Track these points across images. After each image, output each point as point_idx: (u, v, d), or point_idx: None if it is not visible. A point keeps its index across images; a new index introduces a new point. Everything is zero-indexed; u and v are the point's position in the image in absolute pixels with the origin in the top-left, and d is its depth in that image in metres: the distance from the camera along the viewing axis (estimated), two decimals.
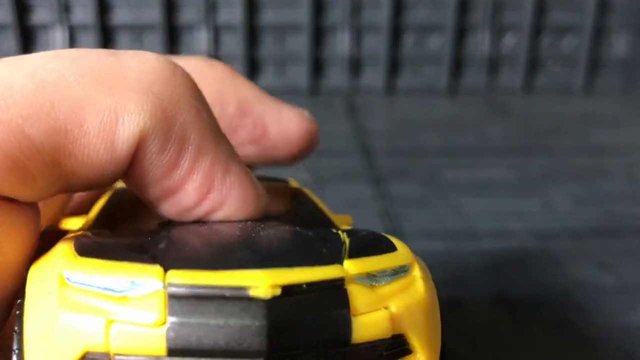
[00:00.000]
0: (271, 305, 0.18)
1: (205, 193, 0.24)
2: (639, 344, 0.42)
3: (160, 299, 0.18)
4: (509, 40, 0.85)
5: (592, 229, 0.55)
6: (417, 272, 0.21)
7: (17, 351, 0.19)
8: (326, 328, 0.19)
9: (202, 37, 0.81)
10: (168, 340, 0.18)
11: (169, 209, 0.24)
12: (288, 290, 0.19)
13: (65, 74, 0.21)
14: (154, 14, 0.80)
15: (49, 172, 0.21)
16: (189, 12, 0.81)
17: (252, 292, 0.18)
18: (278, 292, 0.18)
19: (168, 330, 0.18)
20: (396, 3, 0.82)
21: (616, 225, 0.55)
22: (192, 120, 0.23)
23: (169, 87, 0.22)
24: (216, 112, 0.25)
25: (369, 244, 0.22)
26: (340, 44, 0.83)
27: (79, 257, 0.20)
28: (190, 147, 0.23)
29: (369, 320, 0.19)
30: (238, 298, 0.18)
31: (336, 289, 0.19)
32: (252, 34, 0.82)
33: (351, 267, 0.20)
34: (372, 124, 0.77)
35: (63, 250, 0.20)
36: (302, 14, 0.82)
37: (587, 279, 0.48)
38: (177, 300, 0.18)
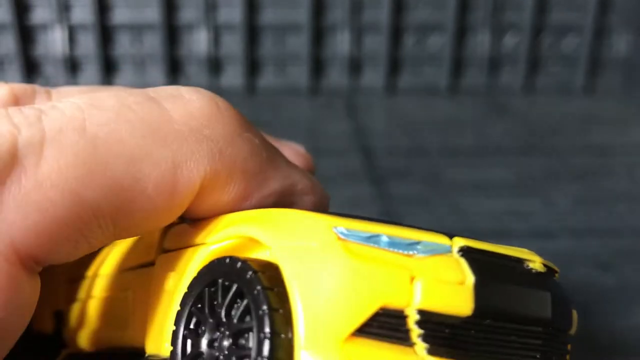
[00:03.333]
0: (545, 278, 0.21)
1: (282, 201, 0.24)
2: (639, 343, 0.42)
3: (457, 261, 0.19)
4: (509, 40, 0.85)
5: (592, 229, 0.55)
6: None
7: (270, 334, 0.18)
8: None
9: (202, 37, 0.81)
10: (476, 299, 0.18)
11: None
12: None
13: (115, 128, 0.19)
14: (153, 13, 0.80)
15: (103, 233, 0.20)
16: (189, 12, 0.81)
17: (531, 265, 0.21)
18: (544, 269, 0.21)
19: (475, 290, 0.18)
20: (396, 3, 0.82)
21: (616, 225, 0.55)
22: (250, 152, 0.22)
23: (219, 126, 0.21)
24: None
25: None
26: (340, 44, 0.83)
27: (339, 217, 0.20)
28: (254, 177, 0.23)
29: None
30: (524, 269, 0.20)
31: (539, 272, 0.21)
32: (252, 34, 0.82)
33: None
34: (372, 124, 0.77)
35: (309, 214, 0.20)
36: (302, 14, 0.81)
37: (587, 279, 0.48)
38: (476, 264, 0.19)
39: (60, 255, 0.20)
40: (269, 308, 0.18)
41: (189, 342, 0.21)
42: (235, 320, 0.20)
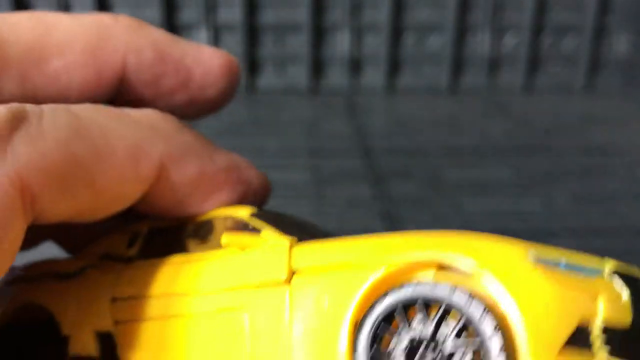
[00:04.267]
0: None
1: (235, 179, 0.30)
2: None
3: (611, 281, 0.23)
4: (510, 40, 0.85)
5: (593, 229, 0.55)
6: None
7: (505, 352, 0.22)
8: None
9: (202, 37, 0.81)
10: (633, 313, 0.23)
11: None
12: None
13: (90, 113, 0.25)
14: (153, 13, 0.80)
15: (84, 189, 0.25)
16: (189, 12, 0.81)
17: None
18: None
19: (631, 305, 0.23)
20: (396, 3, 0.82)
21: (616, 225, 0.55)
22: (194, 137, 0.29)
23: (166, 121, 0.28)
24: (133, 61, 0.30)
25: None
26: (340, 43, 0.83)
27: (526, 244, 0.24)
28: (203, 155, 0.29)
29: None
30: None
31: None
32: (252, 33, 0.82)
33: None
34: (372, 123, 0.77)
35: (500, 241, 0.24)
36: (302, 14, 0.81)
37: None
38: (624, 282, 0.23)
39: (48, 202, 0.24)
40: (495, 327, 0.22)
41: None
42: (448, 341, 0.23)
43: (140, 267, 0.29)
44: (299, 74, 0.83)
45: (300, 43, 0.82)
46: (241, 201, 0.31)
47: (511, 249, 0.23)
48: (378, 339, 0.23)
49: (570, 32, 0.85)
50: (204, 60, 0.32)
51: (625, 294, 0.23)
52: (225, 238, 0.27)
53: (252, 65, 0.83)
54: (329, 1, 0.82)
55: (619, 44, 0.86)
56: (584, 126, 0.77)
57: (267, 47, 0.83)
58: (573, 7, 0.84)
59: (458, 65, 0.85)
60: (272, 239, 0.28)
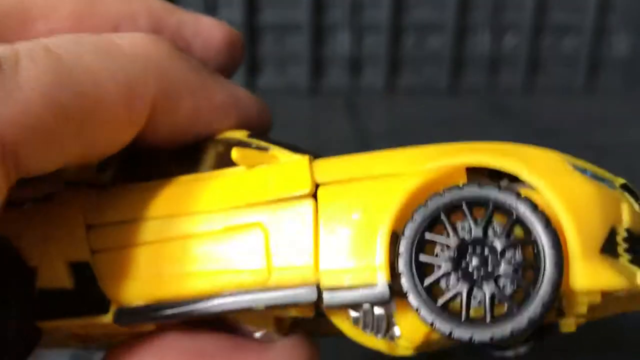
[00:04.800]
0: None
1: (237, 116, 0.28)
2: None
3: (629, 196, 0.25)
4: (510, 40, 0.85)
5: None
6: None
7: (556, 246, 0.23)
8: None
9: None
10: None
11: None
12: None
13: (75, 49, 0.23)
14: None
15: (72, 141, 0.23)
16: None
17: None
18: None
19: None
20: (396, 3, 0.82)
21: None
22: (189, 68, 0.26)
23: (160, 48, 0.25)
24: (126, 29, 0.28)
25: None
26: (340, 43, 0.83)
27: (561, 154, 0.25)
28: (199, 91, 0.26)
29: None
30: None
31: None
32: (252, 34, 0.82)
33: None
34: (373, 124, 0.77)
35: (541, 150, 0.25)
36: (302, 14, 0.81)
37: None
38: (632, 195, 0.25)
39: (34, 158, 0.22)
40: (548, 223, 0.23)
41: (426, 267, 0.23)
42: (499, 240, 0.23)
43: (122, 192, 0.28)
44: (299, 74, 0.83)
45: (300, 43, 0.82)
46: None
47: (550, 153, 0.25)
48: (421, 248, 0.23)
49: (570, 32, 0.85)
50: (203, 31, 0.31)
51: (637, 205, 0.25)
52: (236, 153, 0.26)
53: (252, 65, 0.83)
54: (329, 1, 0.82)
55: (619, 44, 0.86)
56: (584, 126, 0.76)
57: (267, 47, 0.83)
58: (573, 7, 0.84)
59: (458, 65, 0.85)
60: (284, 156, 0.27)
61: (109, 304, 0.27)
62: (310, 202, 0.25)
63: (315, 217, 0.25)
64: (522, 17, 0.84)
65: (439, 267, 0.23)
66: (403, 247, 0.24)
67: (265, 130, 0.31)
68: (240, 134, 0.28)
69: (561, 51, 0.86)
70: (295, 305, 0.25)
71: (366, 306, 0.24)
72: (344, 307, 0.25)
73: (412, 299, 0.23)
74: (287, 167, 0.26)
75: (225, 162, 0.27)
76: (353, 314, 0.25)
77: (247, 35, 0.81)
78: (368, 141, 0.71)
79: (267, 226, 0.25)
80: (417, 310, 0.23)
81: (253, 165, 0.26)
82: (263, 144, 0.27)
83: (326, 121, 0.77)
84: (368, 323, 0.25)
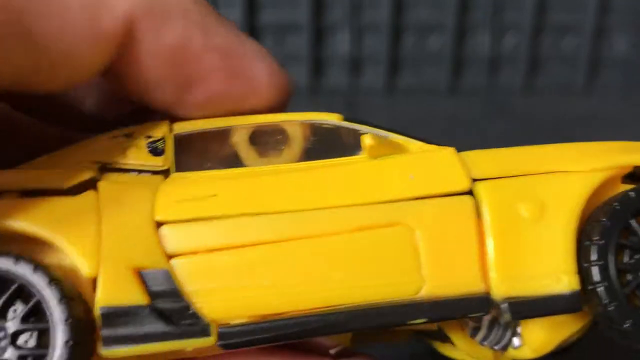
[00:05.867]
0: None
1: (228, 68, 0.22)
2: None
3: None
4: (510, 40, 0.85)
5: None
6: None
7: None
8: None
9: None
10: None
11: (194, 100, 0.22)
12: None
13: None
14: None
15: (24, 47, 0.19)
16: None
17: None
18: None
19: None
20: (396, 2, 0.82)
21: None
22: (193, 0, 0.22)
23: None
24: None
25: None
26: (340, 43, 0.83)
27: None
28: (196, 23, 0.22)
29: None
30: None
31: None
32: (252, 34, 0.82)
33: None
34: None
35: None
36: (302, 14, 0.81)
37: None
38: None
39: None
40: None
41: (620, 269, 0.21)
42: None
43: (201, 180, 0.22)
44: (299, 74, 0.83)
45: (300, 43, 0.82)
46: (239, 100, 0.25)
47: None
48: (616, 254, 0.21)
49: (570, 32, 0.85)
50: (256, 77, 0.26)
51: None
52: (370, 140, 0.22)
53: None
54: (329, 1, 0.82)
55: (619, 44, 0.86)
56: (584, 126, 0.76)
57: (267, 47, 0.82)
58: (573, 7, 0.84)
59: (458, 65, 0.85)
60: (414, 146, 0.24)
61: (206, 324, 0.21)
62: (468, 199, 0.22)
63: (475, 216, 0.22)
64: (522, 17, 0.84)
65: (637, 272, 0.21)
66: (598, 253, 0.21)
67: (280, 104, 0.27)
68: (333, 117, 0.24)
69: (561, 51, 0.86)
70: (462, 317, 0.21)
71: (488, 317, 0.22)
72: (521, 319, 0.22)
73: (614, 310, 0.21)
74: (431, 159, 0.23)
75: (319, 149, 0.23)
76: (472, 324, 0.23)
77: (247, 35, 0.81)
78: None
79: (414, 226, 0.22)
80: (617, 321, 0.21)
81: (379, 155, 0.23)
82: (367, 128, 0.24)
83: None
84: (489, 335, 0.22)
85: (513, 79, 0.86)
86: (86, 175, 0.23)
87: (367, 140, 0.22)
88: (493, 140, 0.71)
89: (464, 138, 0.74)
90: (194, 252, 0.21)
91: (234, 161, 0.23)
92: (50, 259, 0.20)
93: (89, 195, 0.22)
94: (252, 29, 0.82)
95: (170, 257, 0.21)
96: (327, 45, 0.83)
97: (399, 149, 0.23)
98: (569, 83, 0.86)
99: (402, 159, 0.23)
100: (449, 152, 0.24)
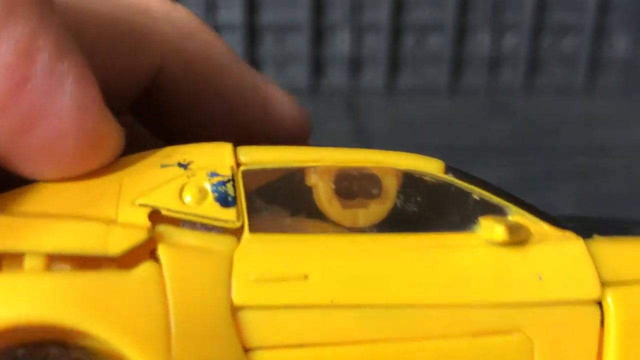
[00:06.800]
0: None
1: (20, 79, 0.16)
2: None
3: None
4: (510, 40, 0.85)
5: None
6: None
7: None
8: None
9: None
10: None
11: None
12: None
13: None
14: None
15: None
16: None
17: None
18: None
19: None
20: (396, 2, 0.82)
21: None
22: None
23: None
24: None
25: None
26: (340, 43, 0.83)
27: None
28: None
29: None
30: None
31: None
32: (252, 33, 0.82)
33: None
34: (372, 124, 0.77)
35: None
36: (302, 14, 0.81)
37: None
38: None
39: None
40: None
41: None
42: None
43: (285, 247, 0.17)
44: (299, 74, 0.83)
45: (300, 43, 0.82)
46: (268, 139, 0.24)
47: None
48: None
49: (570, 32, 0.85)
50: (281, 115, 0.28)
51: None
52: (503, 234, 0.18)
53: (252, 65, 0.83)
54: (329, 1, 0.82)
55: (619, 44, 0.86)
56: (584, 126, 0.76)
57: (267, 47, 0.83)
58: (573, 7, 0.84)
59: (458, 65, 0.85)
60: (547, 228, 0.19)
61: None
62: (596, 310, 0.18)
63: (599, 328, 0.18)
64: (522, 17, 0.84)
65: None
66: None
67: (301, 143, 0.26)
68: (434, 164, 0.21)
69: (561, 51, 0.86)
70: None
71: None
72: None
73: None
74: (561, 255, 0.19)
75: (419, 212, 0.19)
76: None
77: (247, 35, 0.81)
78: (368, 141, 0.71)
79: (532, 335, 0.18)
80: None
81: (510, 242, 0.18)
82: (474, 189, 0.20)
83: (326, 121, 0.77)
84: None
85: (513, 79, 0.86)
86: (140, 236, 0.17)
87: (500, 233, 0.18)
88: (493, 140, 0.72)
89: (464, 138, 0.74)
90: (276, 347, 0.17)
91: (314, 212, 0.19)
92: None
93: (149, 269, 0.17)
94: (252, 29, 0.82)
95: (247, 350, 0.17)
96: (327, 45, 0.83)
97: (525, 234, 0.19)
98: (569, 83, 0.86)
99: (531, 253, 0.19)
100: (579, 245, 0.19)
